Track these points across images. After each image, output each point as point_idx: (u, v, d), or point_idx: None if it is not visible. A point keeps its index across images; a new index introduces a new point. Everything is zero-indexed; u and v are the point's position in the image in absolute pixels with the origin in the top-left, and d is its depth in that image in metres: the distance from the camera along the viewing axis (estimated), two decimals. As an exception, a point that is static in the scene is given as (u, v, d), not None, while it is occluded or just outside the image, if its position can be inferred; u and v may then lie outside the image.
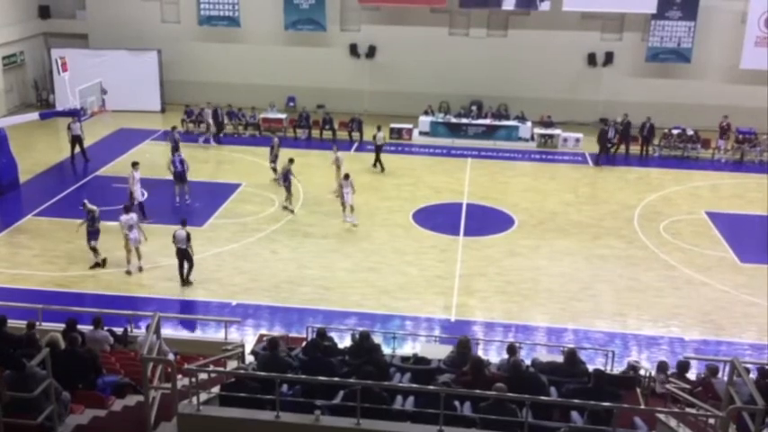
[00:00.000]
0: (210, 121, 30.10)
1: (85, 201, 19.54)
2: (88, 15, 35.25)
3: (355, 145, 30.14)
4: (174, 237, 18.09)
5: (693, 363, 13.76)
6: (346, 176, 22.17)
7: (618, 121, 29.60)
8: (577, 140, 30.37)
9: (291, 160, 23.18)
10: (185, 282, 18.28)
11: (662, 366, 12.49)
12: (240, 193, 24.44)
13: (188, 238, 18.01)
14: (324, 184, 25.40)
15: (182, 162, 23.10)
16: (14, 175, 24.69)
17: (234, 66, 34.23)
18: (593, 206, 24.26)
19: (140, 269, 18.93)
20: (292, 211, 22.74)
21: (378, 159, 26.95)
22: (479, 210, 23.72)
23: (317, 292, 18.20)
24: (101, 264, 19.04)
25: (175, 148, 24.95)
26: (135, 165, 22.05)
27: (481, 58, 32.87)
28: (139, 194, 21.86)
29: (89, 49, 34.39)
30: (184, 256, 18.14)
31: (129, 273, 18.76)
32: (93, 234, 18.90)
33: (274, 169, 24.84)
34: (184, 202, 23.14)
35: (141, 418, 8.60)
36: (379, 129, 27.05)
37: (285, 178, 22.79)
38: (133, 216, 18.76)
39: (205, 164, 24.70)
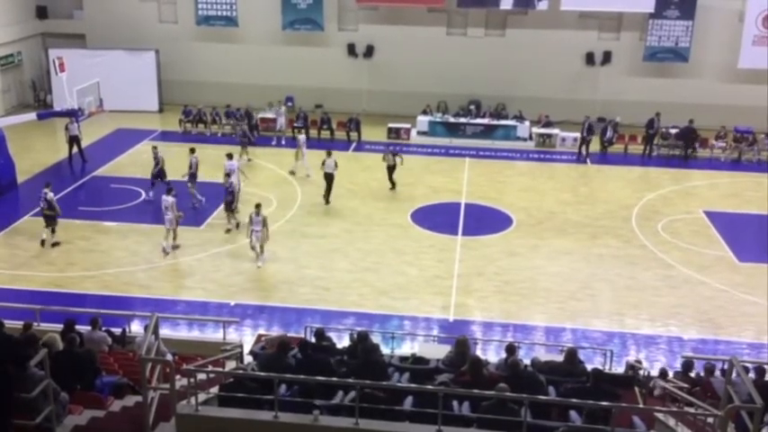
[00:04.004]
0: (283, 120, 30.28)
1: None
2: (86, 15, 35.23)
3: (353, 145, 30.14)
4: (323, 164, 23.39)
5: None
6: (257, 207, 19.40)
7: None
8: (575, 140, 30.31)
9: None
10: (328, 201, 23.36)
11: (662, 373, 12.52)
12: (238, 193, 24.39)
13: (336, 165, 23.20)
14: (321, 184, 25.40)
15: (197, 164, 23.31)
16: (12, 176, 24.69)
17: (232, 66, 34.21)
18: (591, 205, 24.27)
19: (174, 247, 20.03)
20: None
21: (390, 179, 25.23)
22: (478, 209, 23.72)
23: (316, 292, 18.19)
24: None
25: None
26: (230, 156, 23.12)
27: (479, 57, 32.87)
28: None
29: (86, 50, 34.38)
30: (332, 179, 23.29)
31: (164, 251, 19.88)
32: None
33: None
34: (201, 203, 23.27)
35: (140, 418, 8.59)
36: (394, 154, 25.04)
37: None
38: (169, 199, 19.75)
39: (202, 164, 24.62)
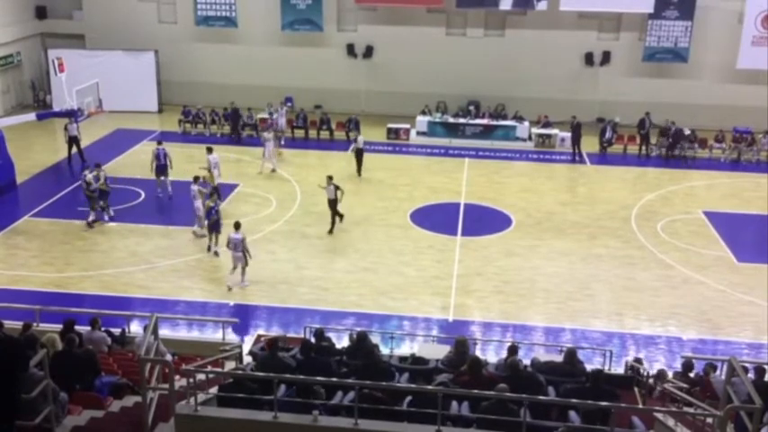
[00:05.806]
0: (283, 120, 30.13)
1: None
2: (85, 16, 35.21)
3: (352, 145, 30.08)
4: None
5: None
6: (237, 226, 18.30)
7: (611, 122, 29.64)
8: (575, 140, 30.35)
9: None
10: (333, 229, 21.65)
11: (661, 374, 12.51)
12: (237, 193, 24.43)
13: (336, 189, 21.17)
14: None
15: (165, 155, 23.70)
16: (11, 176, 24.67)
17: (231, 66, 34.20)
18: (590, 206, 24.27)
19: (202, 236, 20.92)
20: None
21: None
22: (477, 210, 23.72)
23: (315, 292, 18.19)
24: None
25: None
26: (210, 149, 23.50)
27: (478, 58, 32.88)
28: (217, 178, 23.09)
29: (86, 50, 34.37)
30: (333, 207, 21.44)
31: (194, 234, 21.14)
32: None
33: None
34: (167, 196, 23.74)
35: (139, 418, 8.59)
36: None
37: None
38: (194, 188, 21.03)
39: (202, 164, 24.61)
